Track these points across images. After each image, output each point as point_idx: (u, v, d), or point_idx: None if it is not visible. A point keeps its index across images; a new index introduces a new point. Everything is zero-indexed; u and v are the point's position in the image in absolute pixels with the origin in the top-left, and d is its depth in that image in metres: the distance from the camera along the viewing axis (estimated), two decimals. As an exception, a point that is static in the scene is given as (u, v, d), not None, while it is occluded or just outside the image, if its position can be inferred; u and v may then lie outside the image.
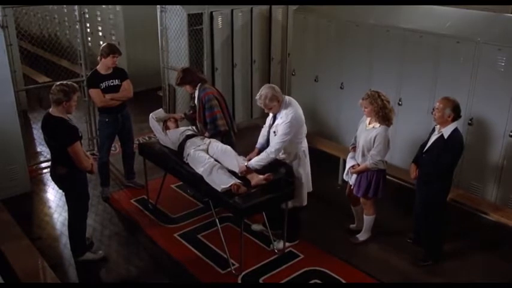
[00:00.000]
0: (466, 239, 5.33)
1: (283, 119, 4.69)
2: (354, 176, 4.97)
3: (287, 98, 4.82)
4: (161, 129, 5.52)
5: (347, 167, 5.06)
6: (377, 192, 4.92)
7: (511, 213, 5.27)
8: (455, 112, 4.46)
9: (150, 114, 5.62)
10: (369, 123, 4.85)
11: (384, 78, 6.31)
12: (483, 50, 5.31)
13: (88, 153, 4.92)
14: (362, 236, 5.23)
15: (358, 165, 4.94)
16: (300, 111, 4.78)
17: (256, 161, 4.73)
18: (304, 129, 4.87)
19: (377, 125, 4.75)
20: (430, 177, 4.65)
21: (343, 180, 5.33)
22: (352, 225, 5.42)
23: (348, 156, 5.09)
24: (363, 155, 4.88)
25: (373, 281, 4.71)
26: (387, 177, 5.11)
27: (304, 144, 4.92)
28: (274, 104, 4.70)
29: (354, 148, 5.05)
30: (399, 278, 4.75)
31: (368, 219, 5.15)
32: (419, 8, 6.21)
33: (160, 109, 5.84)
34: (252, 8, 7.81)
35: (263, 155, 4.74)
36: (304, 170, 4.92)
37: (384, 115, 4.70)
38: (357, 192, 4.99)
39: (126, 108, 5.99)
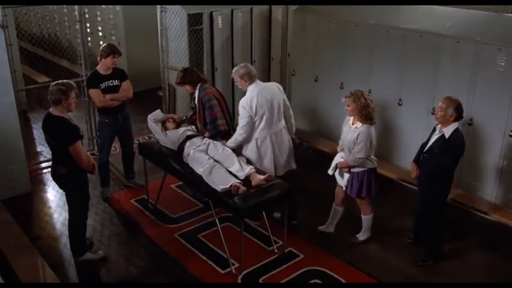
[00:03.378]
0: (466, 239, 5.33)
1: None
2: (346, 176, 4.98)
3: (255, 84, 5.06)
4: (160, 130, 5.53)
5: (333, 164, 5.08)
6: (370, 191, 4.93)
7: (511, 213, 5.27)
8: (458, 112, 4.46)
9: (148, 116, 5.63)
10: (352, 124, 4.87)
11: (384, 78, 6.31)
12: (483, 50, 5.31)
13: (88, 153, 4.92)
14: (362, 236, 5.23)
15: None
16: (254, 99, 4.98)
17: (229, 142, 5.15)
18: (260, 118, 5.02)
19: (359, 124, 4.77)
20: (430, 177, 4.64)
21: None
22: (321, 227, 5.37)
23: (338, 155, 5.11)
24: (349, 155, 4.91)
25: (373, 281, 4.71)
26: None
27: (260, 135, 5.08)
28: (238, 81, 5.12)
29: (343, 150, 5.07)
30: (399, 278, 4.75)
31: (366, 218, 5.15)
32: (419, 8, 6.21)
33: (158, 110, 5.83)
34: (252, 8, 7.80)
35: (233, 136, 5.15)
36: (259, 158, 5.12)
37: (366, 114, 4.72)
38: (350, 193, 5.00)
39: (126, 108, 5.99)
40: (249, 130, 5.06)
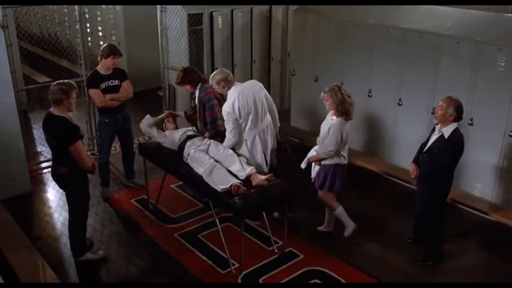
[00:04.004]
0: (466, 239, 5.33)
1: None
2: (316, 168, 5.01)
3: (234, 87, 5.03)
4: (157, 133, 5.52)
5: (306, 158, 5.10)
6: (333, 186, 4.94)
7: (511, 213, 5.27)
8: (458, 112, 4.45)
9: (140, 125, 5.60)
10: (331, 117, 4.90)
11: (384, 78, 6.32)
12: (483, 50, 5.31)
13: (88, 153, 4.92)
14: (347, 232, 5.17)
15: None
16: (236, 102, 4.95)
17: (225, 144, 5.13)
18: (245, 119, 5.01)
19: (335, 118, 4.81)
20: (430, 177, 4.64)
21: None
22: (320, 227, 5.38)
23: (313, 149, 5.13)
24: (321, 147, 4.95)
25: (373, 281, 4.71)
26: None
27: (248, 136, 5.09)
28: (216, 87, 5.09)
29: None
30: (399, 278, 4.75)
31: (336, 213, 5.12)
32: (419, 8, 6.22)
33: (147, 115, 5.71)
34: (252, 8, 7.81)
35: (224, 142, 5.14)
36: (251, 156, 5.13)
37: (342, 109, 4.75)
38: (316, 184, 5.03)
39: (126, 108, 5.99)
40: (237, 133, 5.07)
